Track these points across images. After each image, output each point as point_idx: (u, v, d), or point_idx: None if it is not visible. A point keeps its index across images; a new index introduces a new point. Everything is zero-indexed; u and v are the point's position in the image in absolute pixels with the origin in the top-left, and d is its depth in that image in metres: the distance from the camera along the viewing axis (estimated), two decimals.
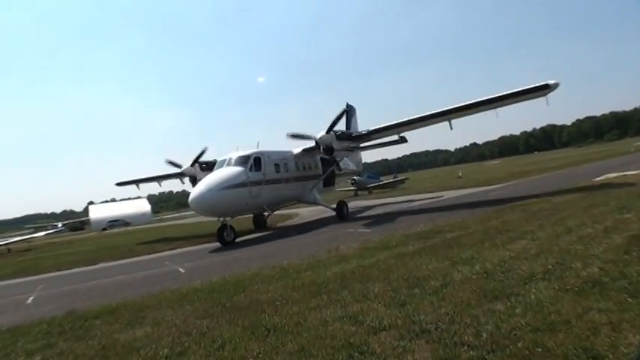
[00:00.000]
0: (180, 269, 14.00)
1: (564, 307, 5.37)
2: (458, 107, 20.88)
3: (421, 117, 21.90)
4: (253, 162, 20.90)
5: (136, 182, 33.93)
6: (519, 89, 19.33)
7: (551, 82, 18.57)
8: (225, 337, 6.20)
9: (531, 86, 18.99)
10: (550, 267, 7.14)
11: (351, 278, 8.56)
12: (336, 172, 27.35)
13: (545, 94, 19.02)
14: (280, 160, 22.75)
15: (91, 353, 6.51)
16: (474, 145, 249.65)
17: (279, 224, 26.90)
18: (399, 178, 49.62)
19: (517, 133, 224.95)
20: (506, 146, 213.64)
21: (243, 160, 20.81)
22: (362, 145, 30.27)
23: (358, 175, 45.36)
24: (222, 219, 19.50)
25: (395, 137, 25.06)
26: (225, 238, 19.18)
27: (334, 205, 24.26)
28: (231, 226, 19.58)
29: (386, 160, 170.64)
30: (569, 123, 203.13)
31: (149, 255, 20.21)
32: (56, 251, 30.98)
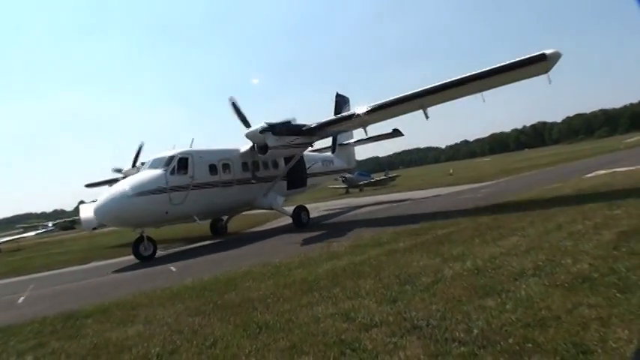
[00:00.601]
0: (172, 268, 13.96)
1: (554, 303, 5.40)
2: (433, 88, 17.04)
3: (390, 101, 18.09)
4: (177, 164, 18.04)
5: (108, 183, 30.64)
6: (511, 61, 15.49)
7: (548, 51, 14.79)
8: (216, 334, 6.19)
9: (525, 57, 15.16)
10: (540, 263, 7.18)
11: (342, 275, 8.58)
12: (321, 170, 25.98)
13: (546, 70, 15.36)
14: (219, 161, 19.64)
15: (83, 352, 6.48)
16: (465, 142, 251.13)
17: (251, 229, 24.29)
18: (390, 176, 49.71)
19: (508, 130, 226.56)
20: (497, 143, 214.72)
21: (163, 162, 18.06)
22: (354, 140, 29.61)
23: (350, 173, 45.48)
24: (139, 230, 17.23)
25: (389, 130, 24.82)
26: (142, 253, 16.96)
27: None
28: (149, 237, 17.33)
29: (377, 157, 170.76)
30: (559, 120, 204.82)
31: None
32: (47, 251, 30.81)
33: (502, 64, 15.60)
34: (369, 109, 18.47)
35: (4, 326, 8.96)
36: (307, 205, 22.86)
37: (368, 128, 27.93)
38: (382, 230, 14.03)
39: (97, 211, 16.55)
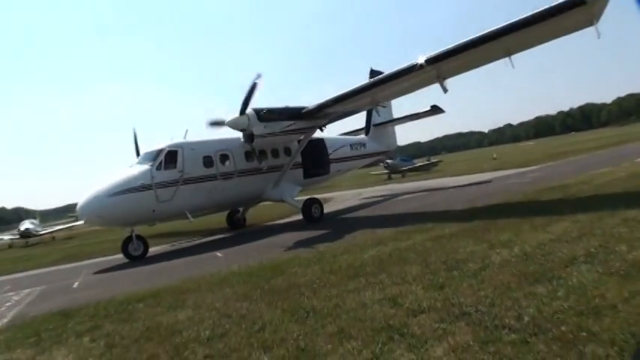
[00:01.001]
0: (219, 254, 14.23)
1: (609, 291, 5.24)
2: (450, 51, 13.74)
3: (396, 72, 15.26)
4: (164, 158, 16.81)
5: None
6: (544, 8, 12.00)
7: None
8: (265, 319, 6.31)
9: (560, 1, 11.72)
10: (593, 250, 6.98)
11: (388, 261, 8.58)
12: (348, 155, 23.79)
13: (590, 20, 12.06)
14: (216, 152, 18.10)
15: (136, 335, 6.71)
16: (509, 126, 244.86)
17: (275, 221, 22.61)
18: (432, 161, 49.09)
19: (553, 113, 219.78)
20: (542, 127, 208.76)
21: (150, 157, 17.03)
22: (381, 124, 26.53)
23: (391, 159, 45.09)
24: (128, 229, 16.59)
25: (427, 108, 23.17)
26: (131, 253, 16.27)
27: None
28: (138, 236, 16.61)
29: (418, 142, 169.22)
30: (609, 101, 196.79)
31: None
32: (99, 238, 31.79)
33: (533, 11, 12.27)
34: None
35: (62, 309, 9.39)
36: (348, 192, 22.41)
37: (395, 106, 26.59)
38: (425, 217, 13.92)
39: (78, 211, 16.18)
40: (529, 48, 14.27)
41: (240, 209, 22.14)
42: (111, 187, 15.59)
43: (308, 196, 20.15)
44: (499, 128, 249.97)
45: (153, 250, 17.85)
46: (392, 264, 8.27)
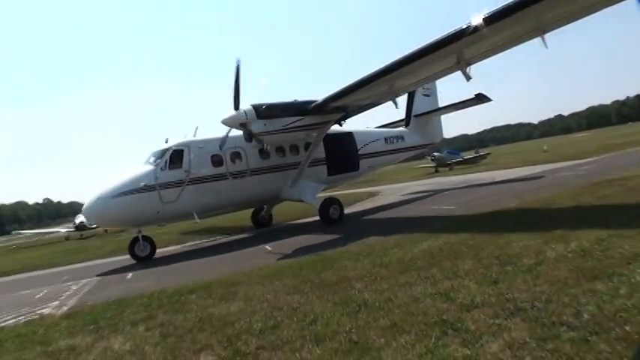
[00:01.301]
0: (268, 247, 14.38)
1: None
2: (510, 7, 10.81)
3: (405, 58, 13.41)
4: (170, 158, 16.42)
5: None
6: None
7: None
8: (316, 312, 6.35)
9: None
10: None
11: (439, 255, 8.50)
12: (382, 149, 22.28)
13: None
14: (226, 150, 17.28)
15: (189, 325, 6.89)
16: (560, 117, 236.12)
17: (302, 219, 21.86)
18: (481, 154, 48.17)
19: (608, 102, 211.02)
20: (596, 117, 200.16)
21: (156, 157, 16.71)
22: (423, 114, 24.85)
23: (438, 151, 44.52)
24: (135, 230, 16.65)
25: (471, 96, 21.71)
26: (138, 254, 16.28)
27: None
28: (145, 237, 16.56)
29: (465, 135, 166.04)
30: None
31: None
32: (150, 232, 32.36)
33: None
34: (386, 67, 13.85)
35: (117, 299, 9.75)
36: (392, 186, 21.90)
37: (440, 96, 25.07)
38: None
39: (84, 212, 16.29)
40: (564, 24, 11.67)
41: (264, 207, 21.24)
42: (115, 188, 15.55)
43: (327, 195, 19.16)
44: (549, 119, 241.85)
45: (195, 243, 18.28)
46: (443, 258, 8.19)
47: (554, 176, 20.84)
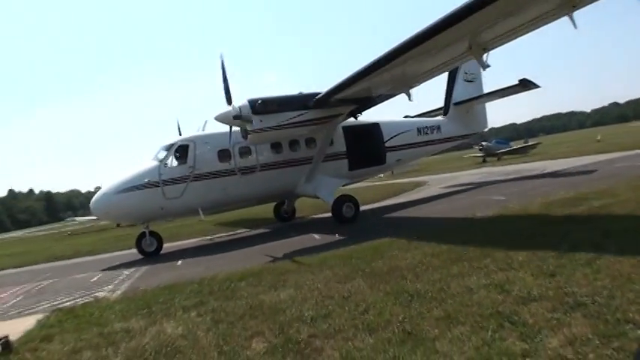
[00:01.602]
0: (316, 236, 14.36)
1: None
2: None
3: (404, 44, 11.89)
4: (174, 153, 16.30)
5: None
6: None
7: None
8: (368, 301, 6.34)
9: None
10: None
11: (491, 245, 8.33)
12: (414, 140, 20.81)
13: None
14: (234, 145, 16.52)
15: (240, 312, 6.96)
16: (615, 105, 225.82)
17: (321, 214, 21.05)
18: (530, 143, 46.91)
19: None
20: None
21: (162, 152, 16.50)
22: (463, 102, 23.11)
23: (485, 140, 43.65)
24: (144, 225, 16.40)
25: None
26: (145, 249, 16.26)
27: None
28: (152, 232, 16.49)
29: (514, 124, 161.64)
30: None
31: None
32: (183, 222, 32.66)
33: None
34: (393, 50, 12.39)
35: (168, 284, 9.95)
36: (438, 176, 21.19)
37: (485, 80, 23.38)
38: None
39: (90, 207, 16.31)
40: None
41: (285, 201, 20.45)
42: (119, 184, 15.63)
43: (341, 194, 17.50)
44: (603, 107, 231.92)
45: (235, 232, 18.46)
46: (496, 248, 8.02)
47: (611, 167, 20.03)
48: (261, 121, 14.55)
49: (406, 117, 23.55)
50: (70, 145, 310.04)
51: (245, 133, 15.00)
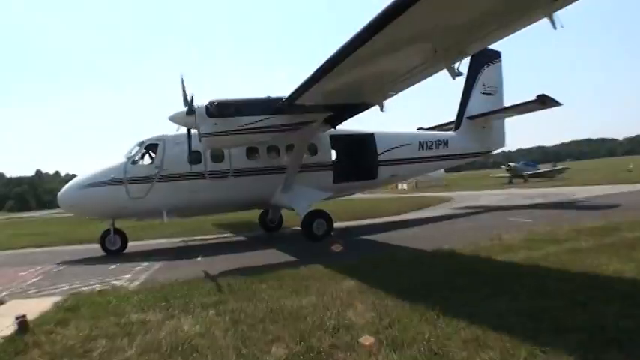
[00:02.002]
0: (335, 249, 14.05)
1: None
2: None
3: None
4: (144, 152, 15.81)
5: None
6: None
7: None
8: (392, 315, 6.16)
9: None
10: None
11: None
12: (413, 155, 19.32)
13: None
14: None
15: (260, 315, 6.77)
16: None
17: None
18: (558, 167, 46.24)
19: None
20: None
21: (135, 149, 15.89)
22: (478, 117, 21.39)
23: (512, 161, 43.10)
24: (108, 222, 15.95)
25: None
26: (108, 247, 15.76)
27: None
28: (117, 230, 15.97)
29: (542, 147, 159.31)
30: None
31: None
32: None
33: None
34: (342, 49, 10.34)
35: (187, 279, 9.82)
36: (453, 194, 20.38)
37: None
38: None
39: (58, 200, 16.05)
40: None
41: (269, 211, 19.31)
42: (85, 179, 15.38)
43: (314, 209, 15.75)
44: (636, 137, 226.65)
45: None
46: (525, 275, 7.75)
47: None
48: (215, 124, 13.36)
49: (420, 129, 22.47)
50: (99, 129, 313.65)
51: (199, 137, 13.73)
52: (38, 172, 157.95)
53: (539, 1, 7.86)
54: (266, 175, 16.40)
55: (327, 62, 11.09)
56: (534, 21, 8.48)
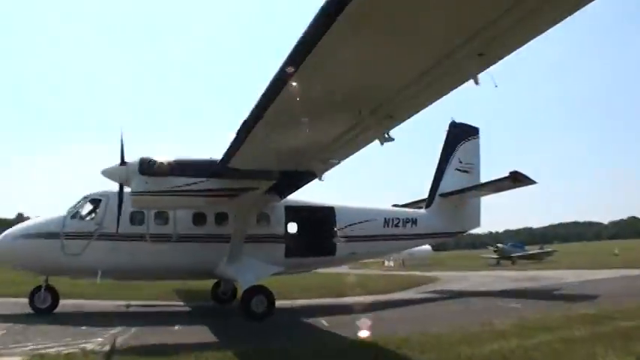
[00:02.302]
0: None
1: None
2: None
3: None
4: (84, 207, 14.97)
5: None
6: None
7: None
8: None
9: None
10: None
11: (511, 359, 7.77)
12: (377, 232, 17.98)
13: None
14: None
15: None
16: (633, 218, 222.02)
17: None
18: (546, 250, 46.25)
19: None
20: None
21: (77, 204, 15.03)
22: (450, 194, 20.10)
23: (500, 242, 43.07)
24: (41, 278, 14.68)
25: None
26: (37, 305, 14.33)
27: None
28: (49, 287, 14.59)
29: (529, 228, 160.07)
30: None
31: None
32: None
33: None
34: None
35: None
36: (449, 273, 19.42)
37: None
38: None
39: None
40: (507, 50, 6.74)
41: (221, 281, 17.90)
42: (22, 229, 14.66)
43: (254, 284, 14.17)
44: (621, 220, 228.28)
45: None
46: None
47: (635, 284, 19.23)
48: (146, 182, 12.30)
49: (394, 206, 21.35)
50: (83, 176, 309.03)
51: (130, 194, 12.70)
52: (20, 215, 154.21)
53: (464, 58, 6.77)
54: (212, 242, 15.27)
55: (242, 125, 10.38)
56: (464, 81, 7.55)
